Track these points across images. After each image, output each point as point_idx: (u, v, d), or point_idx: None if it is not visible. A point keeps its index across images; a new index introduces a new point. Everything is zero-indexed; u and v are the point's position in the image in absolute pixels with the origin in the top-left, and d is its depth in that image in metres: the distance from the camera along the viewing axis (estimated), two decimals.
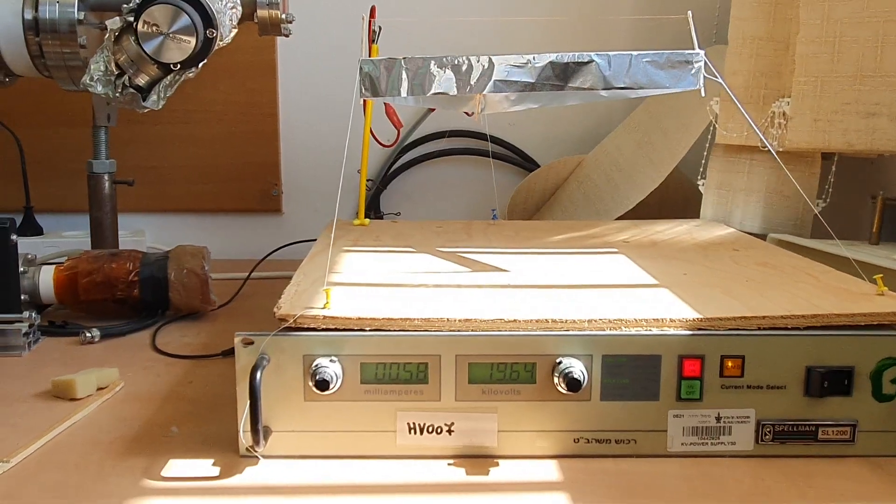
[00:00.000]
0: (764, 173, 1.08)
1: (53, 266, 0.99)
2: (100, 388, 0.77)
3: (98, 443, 0.66)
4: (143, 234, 1.38)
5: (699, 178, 1.16)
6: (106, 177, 1.11)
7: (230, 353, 0.85)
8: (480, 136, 1.40)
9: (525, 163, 1.41)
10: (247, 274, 1.18)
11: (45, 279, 0.98)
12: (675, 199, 1.27)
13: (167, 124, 1.35)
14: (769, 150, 1.06)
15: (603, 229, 1.04)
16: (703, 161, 1.15)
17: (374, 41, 1.09)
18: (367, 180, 1.42)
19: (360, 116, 1.07)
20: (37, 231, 1.33)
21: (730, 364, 0.62)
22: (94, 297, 0.98)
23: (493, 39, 1.37)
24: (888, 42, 0.95)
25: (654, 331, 0.62)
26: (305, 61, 1.40)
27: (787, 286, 0.73)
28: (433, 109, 1.39)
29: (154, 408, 0.73)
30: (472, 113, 1.19)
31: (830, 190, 1.05)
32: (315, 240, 1.12)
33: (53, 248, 1.29)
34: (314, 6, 1.37)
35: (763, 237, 1.05)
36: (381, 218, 1.43)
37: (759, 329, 0.63)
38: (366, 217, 1.42)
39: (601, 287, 0.74)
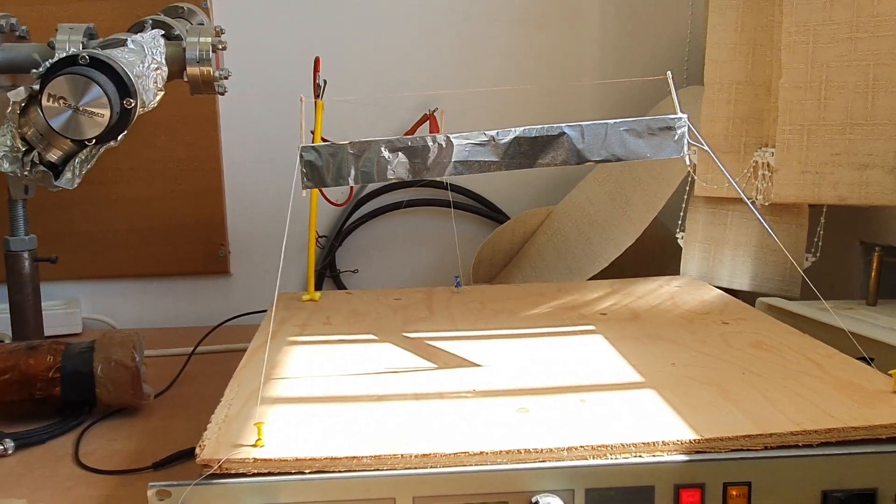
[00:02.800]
0: (749, 226, 1.00)
1: None
2: None
3: None
4: (77, 303, 1.27)
5: (678, 230, 1.07)
6: (26, 254, 1.00)
7: (162, 464, 0.76)
8: (441, 185, 1.30)
9: (489, 212, 1.31)
10: (190, 349, 1.07)
11: None
12: (652, 249, 1.18)
13: (99, 184, 1.24)
14: (753, 204, 0.98)
15: (577, 297, 0.94)
16: (682, 213, 1.07)
17: (319, 96, 1.00)
18: (322, 237, 1.32)
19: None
20: None
21: (734, 493, 0.55)
22: (10, 399, 0.87)
23: (454, 96, 1.27)
24: (879, 87, 0.87)
25: (646, 457, 0.55)
26: (249, 111, 1.29)
27: (791, 381, 0.65)
28: None
29: None
30: None
31: (820, 243, 0.97)
32: (264, 311, 1.02)
33: None
34: (255, 51, 1.27)
35: (751, 295, 0.97)
36: (339, 276, 1.33)
37: (767, 448, 0.55)
38: (322, 272, 1.33)
39: (579, 390, 0.65)
